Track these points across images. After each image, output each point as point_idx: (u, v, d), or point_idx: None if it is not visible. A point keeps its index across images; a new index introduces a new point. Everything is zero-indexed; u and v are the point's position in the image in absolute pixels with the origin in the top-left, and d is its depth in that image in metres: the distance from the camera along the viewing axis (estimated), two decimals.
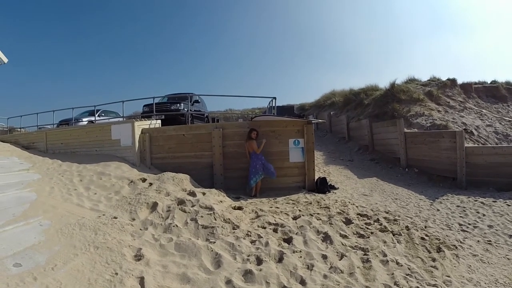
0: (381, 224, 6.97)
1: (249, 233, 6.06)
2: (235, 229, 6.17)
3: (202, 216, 6.46)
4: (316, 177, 10.74)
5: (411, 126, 16.26)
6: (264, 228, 6.43)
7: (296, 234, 6.11)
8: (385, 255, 5.51)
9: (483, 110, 19.39)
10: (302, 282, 4.58)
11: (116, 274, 4.40)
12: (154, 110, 13.18)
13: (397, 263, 5.29)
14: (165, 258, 5.08)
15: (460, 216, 8.56)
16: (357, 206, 8.33)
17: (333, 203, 8.34)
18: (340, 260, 5.30)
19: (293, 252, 5.38)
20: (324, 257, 5.31)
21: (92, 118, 15.59)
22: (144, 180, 8.78)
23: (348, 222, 6.99)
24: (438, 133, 13.92)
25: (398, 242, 6.20)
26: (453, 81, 20.93)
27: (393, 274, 4.93)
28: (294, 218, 7.05)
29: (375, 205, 9.07)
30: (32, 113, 16.88)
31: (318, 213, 7.44)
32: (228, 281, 4.46)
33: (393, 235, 6.48)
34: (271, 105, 12.83)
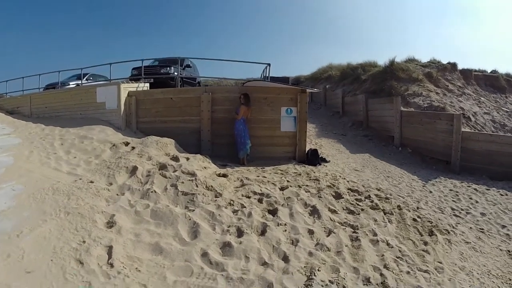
0: (372, 201, 6.62)
1: (231, 202, 5.68)
2: (217, 197, 5.79)
3: (183, 182, 6.03)
4: (307, 149, 10.34)
5: (408, 105, 15.90)
6: (249, 197, 6.05)
7: (282, 205, 5.74)
8: (375, 234, 5.19)
9: (481, 98, 19.12)
10: (285, 258, 4.23)
11: (84, 242, 4.15)
12: (143, 73, 12.68)
13: (388, 244, 4.98)
14: (139, 225, 4.75)
15: (453, 201, 8.38)
16: (348, 181, 7.99)
17: (323, 176, 7.97)
18: (327, 236, 4.96)
19: (278, 225, 5.01)
20: (311, 232, 4.96)
21: (80, 82, 14.96)
22: (127, 144, 8.40)
23: (338, 196, 6.64)
24: (435, 114, 13.67)
25: (389, 221, 5.88)
26: (453, 65, 20.44)
27: (383, 256, 4.62)
28: (282, 189, 6.66)
29: (367, 181, 8.78)
30: (18, 77, 16.28)
31: (307, 185, 7.07)
32: (204, 254, 4.14)
33: (384, 213, 6.16)
34: (265, 73, 12.31)
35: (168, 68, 13.86)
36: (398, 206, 6.65)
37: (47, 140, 8.92)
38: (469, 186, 9.81)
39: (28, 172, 6.45)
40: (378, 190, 7.74)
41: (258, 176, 7.52)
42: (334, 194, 6.70)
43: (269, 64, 11.72)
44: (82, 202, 5.14)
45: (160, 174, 6.32)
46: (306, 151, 10.18)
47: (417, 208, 7.06)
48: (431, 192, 8.94)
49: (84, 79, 15.19)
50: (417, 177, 10.48)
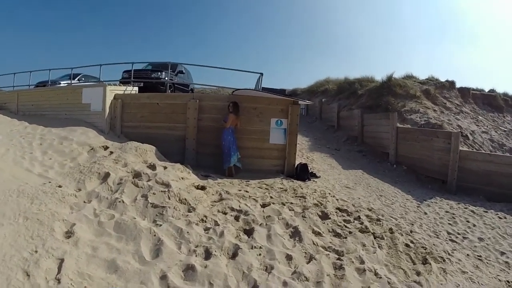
0: (362, 223, 6.11)
1: (204, 218, 5.20)
2: (190, 212, 5.32)
3: (154, 193, 5.58)
4: (297, 163, 9.87)
5: (405, 121, 15.56)
6: (225, 214, 5.55)
7: (260, 225, 5.22)
8: (362, 262, 4.66)
9: (479, 117, 18.83)
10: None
11: (36, 252, 3.79)
12: (132, 76, 12.25)
13: (376, 273, 4.44)
14: (99, 238, 4.32)
15: (449, 224, 7.86)
16: (337, 199, 7.48)
17: (311, 193, 7.47)
18: (308, 263, 4.43)
19: (252, 248, 4.49)
20: (289, 257, 4.43)
21: (71, 82, 14.50)
22: (106, 148, 8.05)
23: (324, 216, 6.12)
24: (432, 131, 13.21)
25: (379, 247, 5.35)
26: (451, 83, 20.22)
27: None
28: (263, 206, 6.16)
29: (358, 200, 8.27)
30: (9, 73, 16.19)
31: (291, 203, 6.55)
32: (163, 276, 3.68)
33: (374, 237, 5.63)
34: (258, 83, 11.87)
35: (159, 73, 13.40)
36: (390, 229, 6.14)
37: (27, 139, 8.73)
38: (466, 208, 9.34)
39: None
40: (370, 210, 7.24)
41: (239, 190, 7.01)
42: (320, 213, 6.18)
43: (261, 74, 11.32)
44: (44, 208, 4.76)
45: (132, 182, 5.87)
46: (296, 165, 9.71)
47: (411, 231, 6.51)
48: (426, 213, 8.45)
49: (76, 79, 14.88)
50: (412, 196, 10.02)
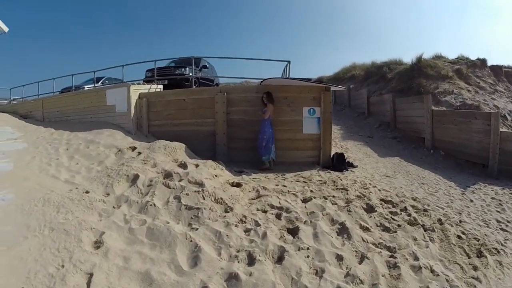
0: (409, 215, 5.68)
1: (244, 218, 4.79)
2: (227, 212, 4.92)
3: (187, 194, 5.19)
4: (333, 153, 9.40)
5: (439, 104, 14.87)
6: (265, 212, 5.13)
7: (305, 223, 4.79)
8: (416, 258, 4.25)
9: None
10: None
11: (62, 266, 3.50)
12: (155, 74, 12.07)
13: (432, 270, 4.04)
14: (130, 247, 3.97)
15: (497, 211, 7.46)
16: (379, 190, 7.02)
17: (352, 184, 7.01)
18: (360, 263, 4.02)
19: (298, 250, 4.07)
20: (339, 258, 4.02)
21: (96, 85, 14.51)
22: (133, 149, 7.80)
23: (370, 209, 5.69)
24: (470, 113, 12.57)
25: (431, 240, 4.96)
26: (483, 62, 19.17)
27: None
28: (304, 201, 5.73)
29: (400, 189, 7.81)
30: (33, 82, 16.27)
31: (333, 196, 6.12)
32: None
33: (425, 230, 5.23)
34: (285, 72, 11.35)
35: (183, 69, 13.15)
36: (439, 219, 5.72)
37: (53, 145, 8.62)
38: (511, 194, 8.84)
39: (23, 180, 6.04)
40: (414, 200, 6.81)
41: (277, 185, 6.60)
42: (365, 206, 5.75)
43: (289, 62, 10.79)
44: (71, 216, 4.48)
45: (163, 183, 5.52)
46: (332, 156, 9.24)
47: (460, 221, 6.06)
48: (472, 201, 8.01)
49: (100, 82, 14.88)
50: (454, 183, 9.51)
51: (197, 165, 6.54)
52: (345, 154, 9.61)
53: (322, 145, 9.11)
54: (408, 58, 20.71)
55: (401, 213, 5.74)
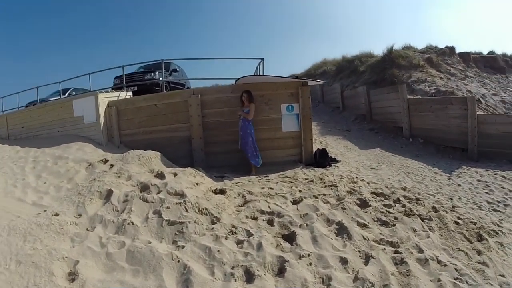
0: (403, 206, 5.47)
1: (233, 228, 4.33)
2: (215, 224, 4.45)
3: (168, 207, 4.68)
4: (315, 149, 9.08)
5: (414, 93, 14.94)
6: (255, 219, 4.69)
7: (300, 227, 4.40)
8: (421, 251, 4.03)
9: (484, 80, 18.33)
10: None
11: None
12: (124, 80, 11.39)
13: (439, 261, 3.83)
14: (110, 275, 3.46)
15: (486, 193, 7.64)
16: (368, 183, 6.75)
17: (339, 180, 6.68)
18: (366, 264, 3.68)
19: (299, 258, 3.66)
20: (344, 261, 3.66)
21: (62, 97, 13.62)
22: (105, 161, 7.20)
23: (363, 204, 5.40)
24: (446, 99, 12.73)
25: (430, 229, 4.76)
26: (451, 49, 19.61)
27: (439, 281, 3.44)
28: (295, 203, 5.33)
29: (388, 180, 7.65)
30: None
31: (324, 194, 5.77)
32: None
33: (422, 220, 5.01)
34: (258, 70, 11.01)
35: (153, 74, 12.62)
36: (433, 207, 5.55)
37: (19, 164, 8.04)
38: (495, 174, 9.09)
39: None
40: (404, 190, 6.59)
41: (263, 188, 6.16)
42: (358, 202, 5.44)
43: (262, 59, 10.40)
44: (40, 245, 3.91)
45: (140, 198, 5.00)
46: (314, 152, 8.93)
47: (453, 207, 5.92)
48: (459, 185, 8.04)
49: (66, 94, 14.06)
50: (439, 169, 9.54)
51: (175, 174, 6.03)
52: (326, 149, 9.32)
53: (303, 142, 8.79)
54: (377, 51, 20.66)
55: (395, 205, 5.50)
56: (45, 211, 5.03)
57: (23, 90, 14.32)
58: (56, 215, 4.71)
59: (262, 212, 4.86)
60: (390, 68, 16.91)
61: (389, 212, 5.18)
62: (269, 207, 5.04)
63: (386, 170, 8.96)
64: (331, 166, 8.56)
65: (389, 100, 14.59)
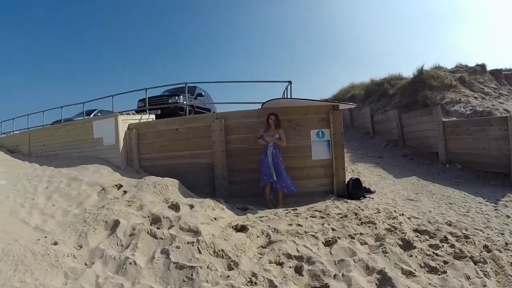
0: (452, 246, 4.68)
1: (254, 277, 3.62)
2: (231, 270, 3.79)
3: (178, 247, 4.05)
4: (347, 179, 8.34)
5: (449, 114, 14.13)
6: (281, 265, 3.98)
7: (335, 277, 3.66)
8: None
9: None
10: None
11: None
12: (147, 103, 10.97)
13: None
14: None
15: None
16: (409, 218, 5.98)
17: (376, 215, 5.93)
18: None
19: None
20: None
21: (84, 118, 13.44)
22: (120, 187, 6.75)
23: (407, 245, 4.64)
24: (484, 120, 11.78)
25: (485, 275, 4.00)
26: (482, 67, 18.75)
27: None
28: (327, 244, 4.60)
29: (430, 214, 6.78)
30: (23, 115, 15.18)
31: (360, 233, 5.00)
32: None
33: (475, 263, 4.23)
34: (286, 94, 10.40)
35: (177, 97, 12.27)
36: (485, 246, 4.79)
37: (33, 183, 7.99)
38: None
39: None
40: (449, 225, 5.81)
41: (290, 225, 5.40)
42: (400, 242, 4.68)
43: (290, 82, 9.77)
44: (29, 278, 3.50)
45: (148, 232, 4.45)
46: (346, 182, 8.20)
47: (506, 244, 5.07)
48: (508, 216, 7.09)
49: (92, 115, 13.80)
50: (483, 198, 8.64)
51: (191, 206, 5.44)
52: (359, 178, 8.58)
53: (335, 171, 8.08)
54: (406, 73, 20.06)
55: (442, 245, 4.72)
56: (45, 237, 4.72)
57: (49, 109, 14.23)
58: (55, 244, 4.29)
59: (289, 257, 4.14)
60: (421, 89, 16.28)
61: (437, 255, 4.42)
62: (297, 249, 4.31)
63: (426, 201, 8.15)
64: (365, 197, 7.81)
65: (423, 123, 13.81)
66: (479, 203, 8.24)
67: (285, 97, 10.21)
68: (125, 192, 6.37)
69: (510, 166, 10.27)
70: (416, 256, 4.31)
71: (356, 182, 8.15)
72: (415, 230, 5.27)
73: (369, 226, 5.25)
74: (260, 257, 4.15)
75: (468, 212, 7.36)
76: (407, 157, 13.95)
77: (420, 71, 17.35)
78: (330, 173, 8.14)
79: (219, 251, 4.07)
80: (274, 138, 7.38)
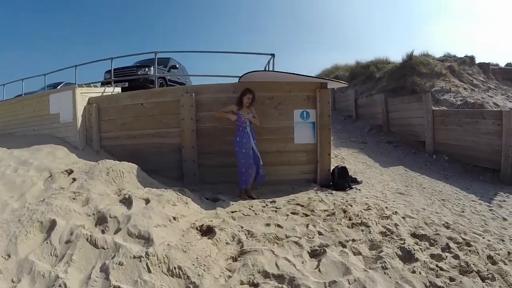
0: (456, 257, 3.94)
1: None
2: None
3: (121, 263, 3.01)
4: (333, 166, 7.49)
5: (438, 103, 13.76)
6: (255, 287, 3.05)
7: None
8: None
9: (508, 93, 17.00)
10: None
11: None
12: (112, 75, 9.80)
13: None
14: None
15: None
16: (403, 217, 5.16)
17: (367, 212, 5.05)
18: None
19: None
20: None
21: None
22: (70, 172, 5.69)
23: (407, 256, 3.79)
24: (477, 112, 11.55)
25: None
26: (471, 59, 18.36)
27: None
28: (314, 255, 3.64)
29: (424, 212, 6.02)
30: None
31: (353, 239, 4.07)
32: None
33: (482, 279, 3.50)
34: (268, 68, 9.07)
35: (147, 69, 11.13)
36: (489, 257, 4.09)
37: None
38: None
39: None
40: (447, 227, 5.09)
41: (268, 225, 4.40)
42: (399, 252, 3.83)
43: (273, 55, 8.59)
44: None
45: (88, 239, 3.44)
46: (332, 170, 7.33)
47: (509, 254, 4.35)
48: (505, 219, 6.73)
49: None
50: (475, 196, 8.27)
51: (147, 201, 4.40)
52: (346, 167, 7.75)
53: (319, 158, 7.16)
54: (393, 57, 19.46)
55: (445, 256, 3.96)
56: None
57: (7, 82, 12.62)
58: None
59: (266, 275, 3.14)
60: (410, 75, 15.73)
61: (441, 269, 3.61)
62: (276, 264, 3.29)
63: (417, 196, 7.46)
64: (352, 188, 6.98)
65: (411, 110, 13.39)
66: (472, 201, 7.87)
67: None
68: (74, 180, 5.34)
69: (500, 163, 10.17)
70: (419, 272, 3.49)
71: (343, 171, 7.29)
72: (413, 235, 4.47)
73: (362, 230, 4.33)
74: (229, 276, 3.16)
75: (463, 212, 6.82)
76: (392, 144, 13.57)
77: (410, 56, 16.82)
78: (314, 160, 7.26)
79: (175, 268, 3.05)
80: (250, 116, 6.40)
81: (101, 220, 3.92)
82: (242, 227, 4.22)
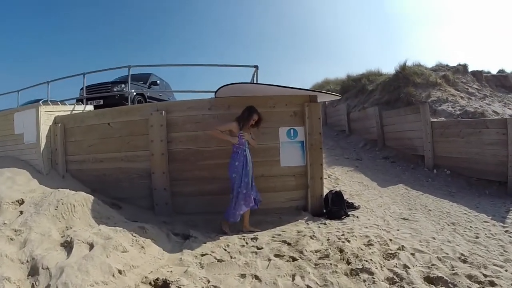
0: None
1: None
2: None
3: None
4: (326, 191, 6.58)
5: (436, 114, 13.09)
6: None
7: None
8: None
9: (505, 100, 16.67)
10: None
11: None
12: (85, 92, 9.12)
13: None
14: None
15: None
16: (412, 253, 4.22)
17: (368, 250, 4.16)
18: None
19: None
20: None
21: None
22: (21, 203, 4.84)
23: None
24: (479, 122, 10.84)
25: None
26: (464, 67, 18.13)
27: None
28: None
29: (434, 242, 5.03)
30: None
31: None
32: None
33: None
34: (254, 80, 8.37)
35: (123, 85, 10.24)
36: None
37: None
38: None
39: None
40: (464, 261, 4.19)
41: (243, 276, 3.41)
42: None
43: (256, 67, 7.82)
44: None
45: None
46: (325, 195, 6.42)
47: None
48: None
49: None
50: (486, 215, 7.51)
51: (91, 246, 3.49)
52: (336, 187, 6.88)
53: (310, 182, 6.24)
54: (385, 69, 19.20)
55: None
56: None
57: None
58: None
59: None
60: (404, 86, 15.22)
61: None
62: None
63: (424, 221, 6.55)
64: (348, 215, 6.08)
65: (407, 123, 12.79)
66: (484, 222, 7.05)
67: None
68: (21, 213, 4.48)
69: (507, 175, 9.55)
70: None
71: (337, 196, 6.37)
72: (427, 279, 3.55)
73: (364, 280, 3.38)
74: None
75: (477, 237, 5.90)
76: (389, 159, 12.89)
77: (403, 67, 16.40)
78: (304, 185, 6.35)
79: None
80: (250, 138, 5.55)
81: (33, 270, 3.09)
82: (208, 282, 3.24)
